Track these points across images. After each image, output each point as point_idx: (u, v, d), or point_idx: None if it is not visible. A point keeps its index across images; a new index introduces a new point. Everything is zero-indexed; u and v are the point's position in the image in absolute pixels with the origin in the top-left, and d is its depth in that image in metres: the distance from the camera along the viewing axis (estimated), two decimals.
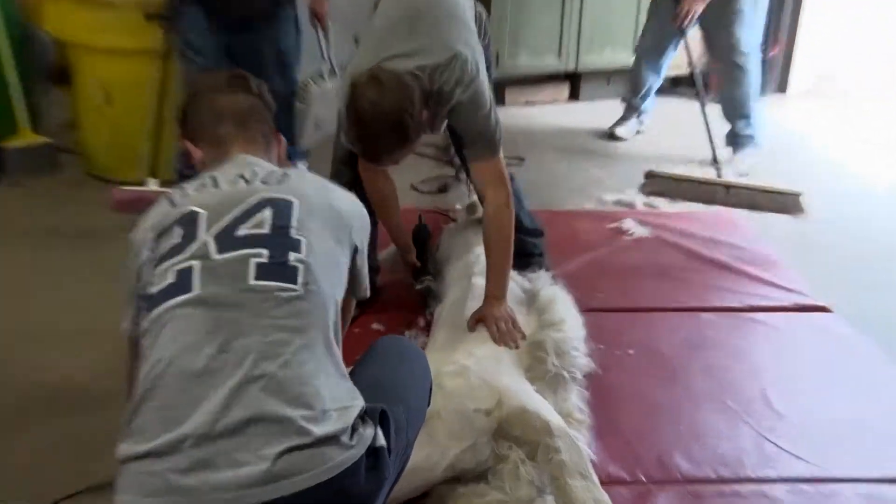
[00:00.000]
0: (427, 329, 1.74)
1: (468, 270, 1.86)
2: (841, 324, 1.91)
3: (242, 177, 1.05)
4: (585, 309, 1.77)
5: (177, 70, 2.42)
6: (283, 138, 1.22)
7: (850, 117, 3.58)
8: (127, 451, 0.87)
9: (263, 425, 0.86)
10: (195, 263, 0.95)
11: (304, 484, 0.84)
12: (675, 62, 3.09)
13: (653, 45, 3.04)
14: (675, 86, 3.69)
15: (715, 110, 2.90)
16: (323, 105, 2.44)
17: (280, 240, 0.98)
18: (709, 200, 2.56)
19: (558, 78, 3.75)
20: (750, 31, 2.82)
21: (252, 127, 1.15)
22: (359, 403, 0.95)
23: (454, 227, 2.28)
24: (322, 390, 0.91)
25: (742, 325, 1.93)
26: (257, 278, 0.95)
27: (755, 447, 1.49)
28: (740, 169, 2.89)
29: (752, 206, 2.49)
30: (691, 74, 2.89)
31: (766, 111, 3.02)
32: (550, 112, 3.70)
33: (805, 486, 1.38)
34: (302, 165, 2.52)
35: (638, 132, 3.37)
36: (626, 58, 3.38)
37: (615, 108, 3.40)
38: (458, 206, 2.56)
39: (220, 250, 0.96)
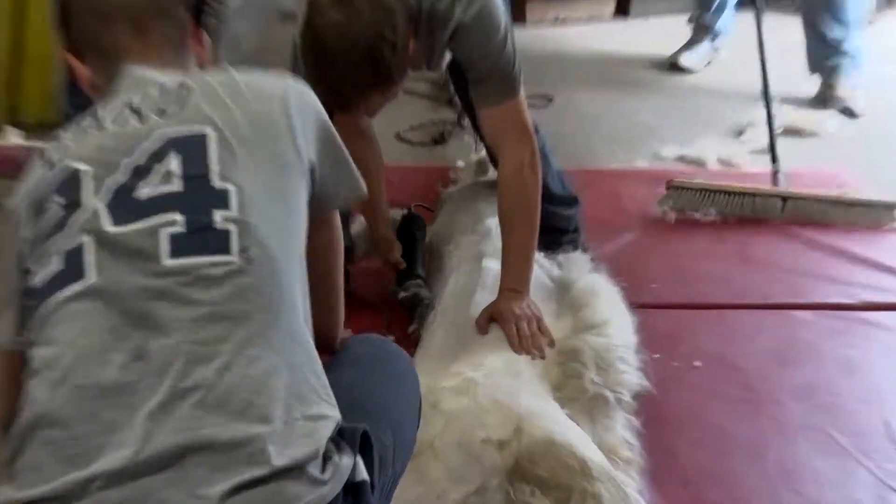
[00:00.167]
0: (415, 346, 1.75)
1: (476, 251, 1.88)
2: None
3: (132, 107, 1.03)
4: (636, 305, 1.79)
5: None
6: (205, 37, 1.18)
7: None
8: (9, 497, 0.87)
9: (203, 455, 0.87)
10: (85, 240, 0.95)
11: None
12: None
13: None
14: None
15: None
16: (244, 20, 2.45)
17: (198, 195, 0.98)
18: (759, 215, 2.43)
19: None
20: None
21: (153, 28, 1.11)
22: (334, 416, 0.96)
23: (456, 191, 2.29)
24: (282, 392, 0.93)
25: (853, 328, 1.95)
26: (174, 255, 0.95)
27: (876, 499, 1.50)
28: (851, 104, 2.91)
29: (824, 220, 2.38)
30: None
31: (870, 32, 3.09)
32: (589, 34, 3.70)
33: None
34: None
35: (710, 62, 3.40)
36: None
37: (679, 28, 3.41)
38: (460, 163, 2.57)
39: (118, 220, 0.96)
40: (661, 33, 3.51)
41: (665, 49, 3.40)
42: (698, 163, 2.72)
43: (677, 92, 3.21)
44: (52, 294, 0.94)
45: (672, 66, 3.35)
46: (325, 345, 1.21)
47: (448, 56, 1.70)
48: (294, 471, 0.89)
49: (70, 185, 0.99)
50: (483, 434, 1.35)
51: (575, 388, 1.57)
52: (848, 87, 3.00)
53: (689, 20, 3.37)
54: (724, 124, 2.97)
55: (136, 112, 1.03)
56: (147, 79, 1.06)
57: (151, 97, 1.04)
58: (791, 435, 1.66)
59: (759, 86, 2.54)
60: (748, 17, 2.65)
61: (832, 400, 1.74)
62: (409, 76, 1.63)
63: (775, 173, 2.53)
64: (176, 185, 0.98)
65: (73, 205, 0.97)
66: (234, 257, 0.96)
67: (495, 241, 1.83)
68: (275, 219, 1.01)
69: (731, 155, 2.75)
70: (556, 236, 2.00)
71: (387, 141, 2.39)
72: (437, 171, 2.56)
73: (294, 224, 1.05)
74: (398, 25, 1.50)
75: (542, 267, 1.86)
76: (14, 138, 2.42)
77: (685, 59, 3.35)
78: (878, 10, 3.79)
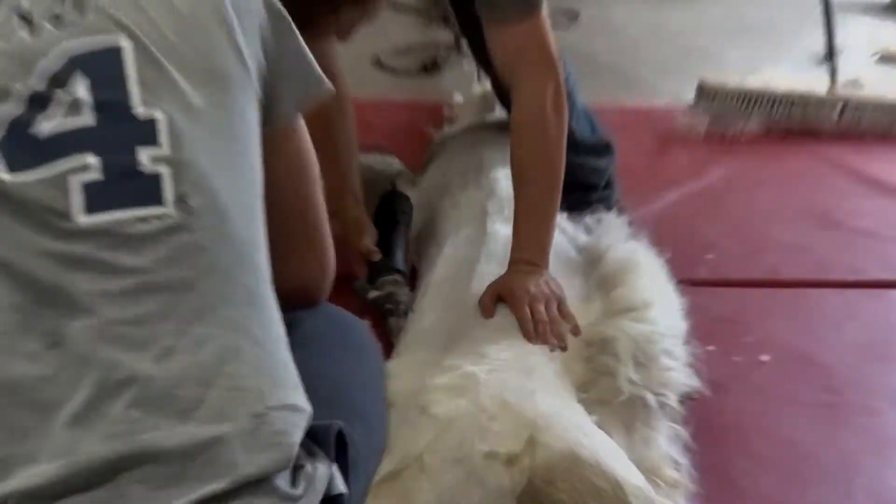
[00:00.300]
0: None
1: (480, 210, 1.89)
2: None
3: (21, 13, 0.99)
4: (686, 282, 1.80)
5: None
6: None
7: None
8: None
9: (143, 469, 0.88)
10: None
11: None
12: None
13: None
14: None
15: None
16: None
17: (116, 129, 0.97)
18: (809, 123, 2.58)
19: None
20: None
21: None
22: (306, 408, 0.99)
23: (453, 134, 2.32)
24: (244, 380, 0.94)
25: None
26: (90, 210, 0.94)
27: None
28: None
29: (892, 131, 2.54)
30: None
31: None
32: None
33: None
34: None
35: None
36: None
37: None
38: (458, 98, 2.60)
39: (13, 166, 0.94)
40: None
41: None
42: None
43: (740, 4, 3.23)
44: None
45: None
46: (313, 299, 1.24)
47: None
48: (262, 483, 0.91)
49: None
50: (486, 446, 1.33)
51: (606, 388, 1.58)
52: None
53: None
54: (801, 47, 3.00)
55: (26, 20, 1.00)
56: None
57: None
58: (888, 454, 1.67)
59: None
60: None
61: None
62: None
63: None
64: (86, 118, 0.96)
65: None
66: (168, 208, 0.96)
67: (504, 199, 1.83)
68: (220, 152, 1.01)
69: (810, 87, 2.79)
70: (583, 194, 2.01)
71: (362, 69, 2.42)
72: (428, 107, 2.58)
73: (246, 157, 1.05)
74: None
75: (566, 233, 1.86)
76: None
77: None
78: None
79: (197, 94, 1.00)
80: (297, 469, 0.94)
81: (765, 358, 1.89)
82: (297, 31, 1.16)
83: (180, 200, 0.96)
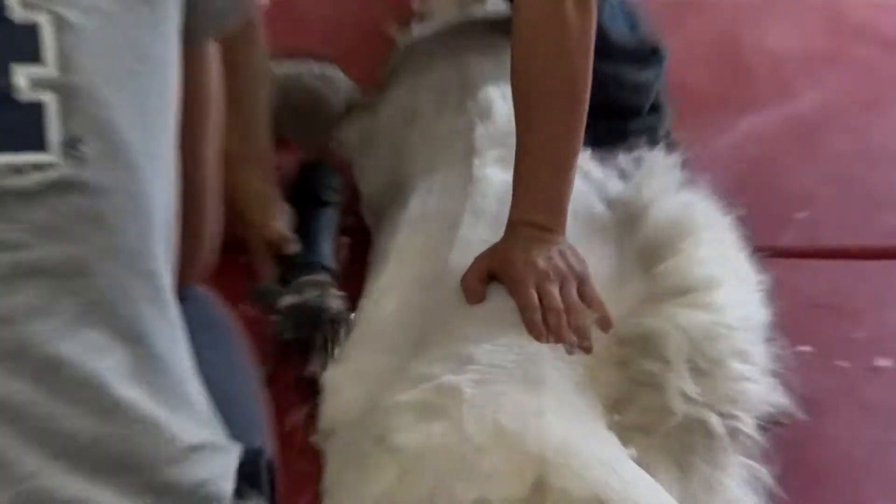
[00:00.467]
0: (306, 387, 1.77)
1: (463, 148, 1.91)
2: None
3: None
4: (768, 251, 1.80)
5: None
6: None
7: None
8: None
9: None
10: None
11: None
12: None
13: None
14: None
15: None
16: None
17: None
18: None
19: None
20: None
21: None
22: (226, 444, 1.07)
23: (425, 35, 2.37)
24: (146, 409, 0.98)
25: None
26: None
27: None
28: None
29: None
30: None
31: None
32: None
33: None
34: None
35: None
36: None
37: None
38: None
39: None
40: None
41: None
42: None
43: None
44: None
45: None
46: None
47: None
48: None
49: None
50: (473, 492, 1.33)
51: (650, 407, 1.57)
52: None
53: None
54: None
55: None
56: None
57: None
58: None
59: None
60: None
61: None
62: None
63: None
64: None
65: None
66: (53, 155, 0.98)
67: (500, 130, 1.85)
68: (129, 78, 1.04)
69: None
70: (618, 122, 2.04)
71: None
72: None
73: (164, 88, 1.10)
74: None
75: (591, 179, 1.87)
76: None
77: None
78: None
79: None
80: None
81: (883, 363, 1.89)
82: None
83: (70, 145, 0.99)
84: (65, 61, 1.00)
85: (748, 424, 1.60)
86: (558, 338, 1.60)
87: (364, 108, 2.25)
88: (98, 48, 1.03)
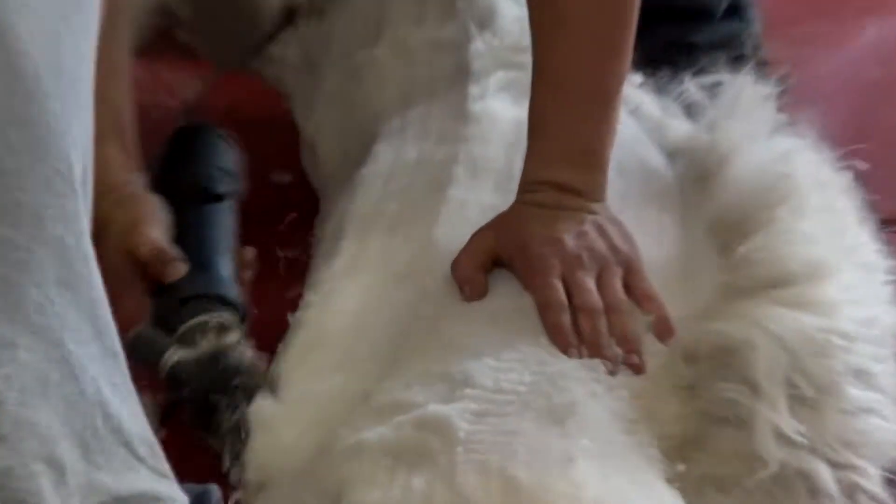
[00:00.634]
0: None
1: (452, 70, 1.75)
2: None
3: None
4: None
5: None
6: None
7: None
8: None
9: None
10: None
11: None
12: None
13: None
14: None
15: None
16: None
17: None
18: None
19: None
20: None
21: None
22: (173, 494, 1.10)
23: None
24: (68, 442, 1.01)
25: None
26: None
27: None
28: None
29: None
30: None
31: None
32: None
33: None
34: None
35: None
36: None
37: None
38: None
39: None
40: None
41: None
42: None
43: None
44: None
45: None
46: None
47: None
48: None
49: None
50: None
51: (730, 452, 1.36)
52: None
53: None
54: None
55: None
56: None
57: None
58: None
59: None
60: None
61: None
62: None
63: None
64: None
65: None
66: None
67: (507, 40, 1.70)
68: None
69: None
70: (682, 30, 1.96)
71: None
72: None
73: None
74: None
75: (644, 118, 1.71)
76: None
77: None
78: None
79: None
80: None
81: None
82: None
83: None
84: None
85: (871, 477, 1.38)
86: (595, 350, 1.38)
87: (310, 12, 2.05)
88: None
